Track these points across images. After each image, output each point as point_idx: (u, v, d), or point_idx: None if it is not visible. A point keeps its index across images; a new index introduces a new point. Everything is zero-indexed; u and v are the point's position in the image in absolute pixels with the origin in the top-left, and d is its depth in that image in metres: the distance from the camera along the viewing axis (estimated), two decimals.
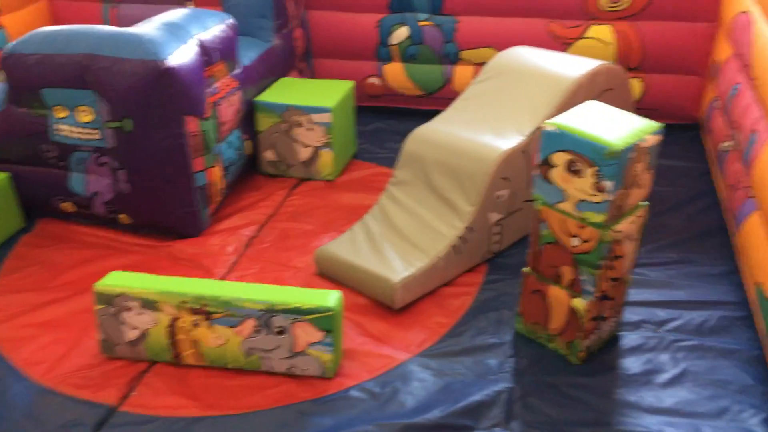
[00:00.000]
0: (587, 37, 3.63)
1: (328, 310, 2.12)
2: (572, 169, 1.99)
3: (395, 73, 3.93)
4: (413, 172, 2.78)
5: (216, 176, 2.93)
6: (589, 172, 1.96)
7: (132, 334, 2.24)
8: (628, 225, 2.08)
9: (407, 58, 3.88)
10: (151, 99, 2.61)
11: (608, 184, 1.93)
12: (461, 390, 2.14)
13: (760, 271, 2.26)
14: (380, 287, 2.47)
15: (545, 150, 2.04)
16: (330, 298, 2.15)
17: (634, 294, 2.51)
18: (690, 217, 3.01)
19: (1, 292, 2.62)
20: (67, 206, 2.93)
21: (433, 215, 2.66)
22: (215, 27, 2.92)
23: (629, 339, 2.34)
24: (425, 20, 3.79)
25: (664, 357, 2.26)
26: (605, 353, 2.29)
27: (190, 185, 2.80)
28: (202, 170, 2.82)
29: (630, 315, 2.43)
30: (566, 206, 2.06)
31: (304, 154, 3.31)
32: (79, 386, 2.19)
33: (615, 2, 3.54)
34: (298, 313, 2.13)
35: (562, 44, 3.65)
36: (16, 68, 2.68)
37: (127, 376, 2.22)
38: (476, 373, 2.21)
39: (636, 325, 2.40)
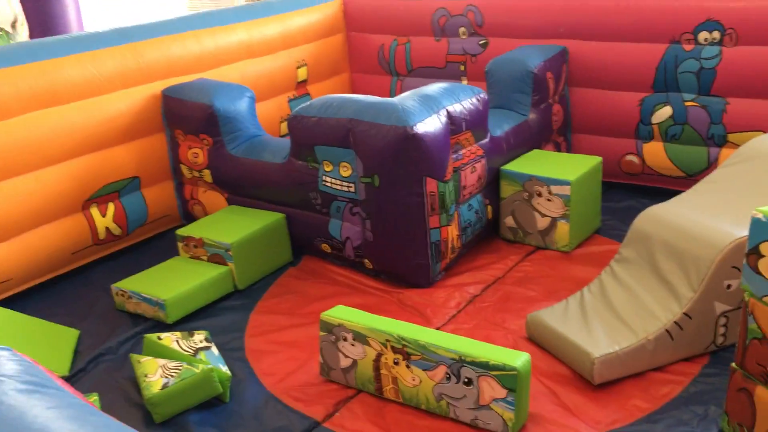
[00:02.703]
0: None
1: (512, 369, 2.21)
2: None
3: (655, 152, 3.86)
4: (638, 251, 2.74)
5: (451, 234, 3.17)
6: None
7: (345, 362, 2.54)
8: None
9: (668, 138, 3.79)
10: (398, 160, 2.96)
11: None
12: None
13: None
14: (581, 360, 2.48)
15: (754, 238, 1.93)
16: (517, 358, 2.24)
17: None
18: None
19: (260, 312, 3.13)
20: (326, 247, 3.39)
21: (651, 296, 2.59)
22: (466, 100, 3.20)
23: None
24: (691, 101, 3.68)
25: None
26: None
27: (424, 240, 3.08)
28: (436, 227, 3.08)
29: None
30: None
31: (542, 223, 3.41)
32: (297, 399, 2.53)
33: None
34: (485, 367, 2.25)
35: None
36: (299, 127, 3.23)
37: (336, 398, 2.52)
38: None
39: None
